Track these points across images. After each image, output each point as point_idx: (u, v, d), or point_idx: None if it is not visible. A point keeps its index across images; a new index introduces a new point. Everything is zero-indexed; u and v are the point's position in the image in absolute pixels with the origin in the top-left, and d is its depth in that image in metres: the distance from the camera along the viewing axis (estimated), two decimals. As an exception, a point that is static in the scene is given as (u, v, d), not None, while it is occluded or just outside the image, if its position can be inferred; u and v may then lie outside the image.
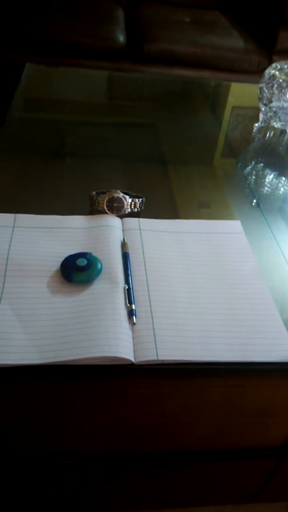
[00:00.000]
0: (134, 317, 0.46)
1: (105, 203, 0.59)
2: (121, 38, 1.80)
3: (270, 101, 0.82)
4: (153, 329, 0.46)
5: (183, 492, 0.71)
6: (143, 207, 0.61)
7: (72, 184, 0.67)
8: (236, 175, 0.76)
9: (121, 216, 0.60)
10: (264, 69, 0.87)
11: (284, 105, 0.82)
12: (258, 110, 0.88)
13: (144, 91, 1.06)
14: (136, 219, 0.60)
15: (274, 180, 0.76)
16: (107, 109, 0.94)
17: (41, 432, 0.52)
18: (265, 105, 0.84)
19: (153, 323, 0.46)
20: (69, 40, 1.75)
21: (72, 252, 0.53)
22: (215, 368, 0.44)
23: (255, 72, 1.87)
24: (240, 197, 0.70)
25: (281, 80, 0.80)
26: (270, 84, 0.82)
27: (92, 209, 0.61)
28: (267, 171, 0.78)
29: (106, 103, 0.98)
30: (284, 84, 0.80)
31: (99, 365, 0.43)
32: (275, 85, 0.81)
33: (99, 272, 0.50)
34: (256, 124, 0.89)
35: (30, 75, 1.00)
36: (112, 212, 0.60)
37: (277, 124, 0.87)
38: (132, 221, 0.60)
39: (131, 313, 0.47)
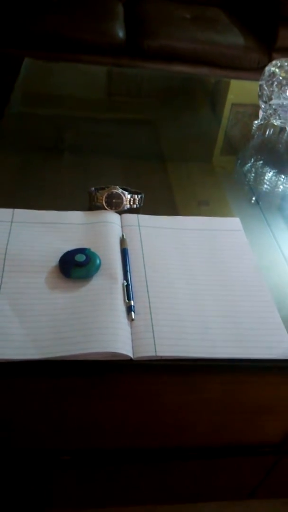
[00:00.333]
0: (132, 313, 0.46)
1: (104, 199, 0.59)
2: (121, 33, 1.79)
3: (270, 99, 0.82)
4: (152, 325, 0.46)
5: (181, 488, 0.71)
6: (142, 203, 0.61)
7: (70, 180, 0.67)
8: (236, 172, 0.76)
9: (120, 212, 0.60)
10: (264, 66, 0.87)
11: (284, 103, 0.81)
12: (258, 107, 0.87)
13: (143, 87, 1.06)
14: (135, 215, 0.60)
15: (274, 177, 0.76)
16: (106, 104, 0.94)
17: (39, 428, 0.52)
18: (265, 102, 0.84)
19: (151, 319, 0.46)
20: (69, 35, 1.74)
21: (70, 248, 0.52)
22: (214, 364, 0.44)
23: (255, 69, 1.86)
24: (239, 194, 0.70)
25: (281, 78, 0.80)
26: (270, 82, 0.81)
27: (91, 205, 0.61)
28: (267, 168, 0.78)
29: (105, 98, 0.97)
30: (284, 82, 0.80)
31: (97, 360, 0.42)
32: (275, 83, 0.81)
33: (97, 268, 0.50)
34: (256, 122, 0.89)
35: (28, 70, 1.00)
36: (111, 208, 0.60)
37: (276, 122, 0.87)
38: (131, 217, 0.60)
39: (129, 309, 0.47)
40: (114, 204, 0.60)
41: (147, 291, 0.49)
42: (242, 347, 0.45)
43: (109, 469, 0.63)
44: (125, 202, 0.60)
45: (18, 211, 0.58)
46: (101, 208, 0.60)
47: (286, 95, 0.80)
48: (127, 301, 0.47)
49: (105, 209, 0.60)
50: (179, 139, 0.83)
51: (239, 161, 0.79)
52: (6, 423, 0.51)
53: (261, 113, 0.87)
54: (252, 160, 0.80)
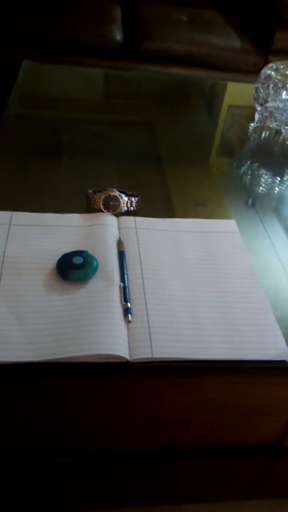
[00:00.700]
0: (129, 315, 0.47)
1: (101, 201, 0.59)
2: (118, 36, 1.80)
3: (266, 101, 0.83)
4: (148, 327, 0.46)
5: (176, 489, 0.71)
6: (139, 206, 0.62)
7: (68, 182, 0.67)
8: (232, 174, 0.77)
9: (117, 215, 0.60)
10: (260, 69, 0.87)
11: (280, 105, 0.82)
12: (254, 109, 0.88)
13: (140, 89, 1.06)
14: (132, 217, 0.60)
15: (269, 179, 0.76)
16: (103, 107, 0.94)
17: (36, 429, 0.52)
18: (261, 105, 0.84)
19: (148, 321, 0.47)
20: (66, 37, 1.74)
21: (68, 250, 0.53)
22: (210, 366, 0.45)
23: (251, 72, 1.87)
24: (235, 197, 0.70)
25: (276, 80, 0.81)
26: (266, 84, 0.82)
27: (88, 208, 0.61)
28: (262, 170, 0.79)
29: (102, 101, 0.98)
30: (280, 85, 0.81)
31: (94, 362, 0.43)
32: (271, 85, 0.81)
33: (95, 270, 0.51)
34: (252, 124, 0.90)
35: (26, 72, 1.00)
36: (108, 211, 0.60)
37: (272, 124, 0.88)
38: (128, 220, 0.60)
39: (126, 311, 0.47)
40: (112, 207, 0.60)
41: (144, 293, 0.50)
42: (238, 349, 0.45)
43: (103, 470, 0.63)
44: (122, 205, 0.60)
45: (16, 214, 0.58)
46: (99, 210, 0.60)
47: (281, 97, 0.81)
48: (124, 303, 0.48)
49: (103, 211, 0.60)
50: (176, 141, 0.83)
51: (235, 163, 0.79)
52: (3, 425, 0.51)
53: (257, 116, 0.88)
54: (248, 162, 0.80)
